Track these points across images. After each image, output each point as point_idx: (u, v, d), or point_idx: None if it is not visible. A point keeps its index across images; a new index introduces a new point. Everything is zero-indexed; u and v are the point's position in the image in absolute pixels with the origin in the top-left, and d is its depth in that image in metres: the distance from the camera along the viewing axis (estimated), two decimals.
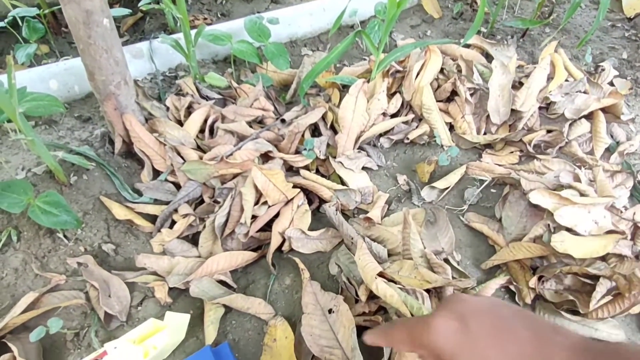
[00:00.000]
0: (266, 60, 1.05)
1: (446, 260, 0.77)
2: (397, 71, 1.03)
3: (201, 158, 0.84)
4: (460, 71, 1.06)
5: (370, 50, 1.23)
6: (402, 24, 1.36)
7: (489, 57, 1.20)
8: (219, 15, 1.33)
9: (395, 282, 0.73)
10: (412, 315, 0.72)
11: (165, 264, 0.80)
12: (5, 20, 1.02)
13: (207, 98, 0.97)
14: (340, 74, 1.07)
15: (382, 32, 1.12)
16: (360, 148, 0.98)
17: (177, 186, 0.87)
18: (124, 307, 0.77)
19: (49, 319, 0.75)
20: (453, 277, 0.73)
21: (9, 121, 0.76)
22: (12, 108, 0.65)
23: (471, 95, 1.02)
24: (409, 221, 0.80)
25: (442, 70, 1.08)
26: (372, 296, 0.74)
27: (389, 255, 0.80)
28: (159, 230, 0.83)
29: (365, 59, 1.20)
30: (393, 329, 0.39)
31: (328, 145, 0.98)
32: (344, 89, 1.10)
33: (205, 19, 1.26)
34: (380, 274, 0.72)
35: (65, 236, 0.82)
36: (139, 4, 1.10)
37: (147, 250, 0.84)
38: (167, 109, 0.96)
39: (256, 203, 0.80)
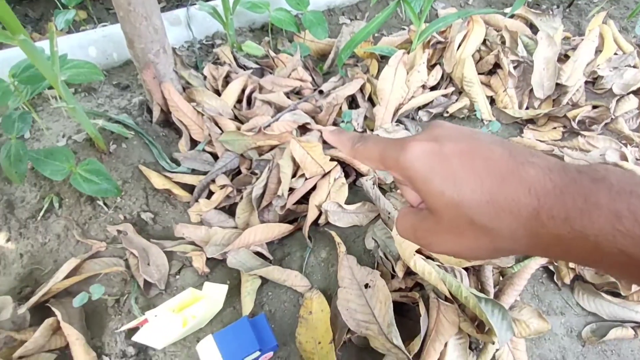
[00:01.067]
0: (304, 29, 0.99)
1: None
2: (438, 42, 0.96)
3: (239, 129, 0.80)
4: (504, 43, 0.97)
5: (410, 20, 1.16)
6: None
7: (533, 28, 1.11)
8: None
9: (432, 260, 0.70)
10: (450, 293, 0.68)
11: (203, 234, 0.77)
12: None
13: (244, 67, 0.93)
14: (379, 44, 1.00)
15: (423, 0, 1.04)
16: (398, 121, 0.92)
17: (215, 156, 0.84)
18: (162, 276, 0.75)
19: (91, 285, 0.74)
20: None
21: (50, 88, 0.73)
22: (55, 75, 0.62)
23: (514, 68, 0.94)
24: None
25: (484, 42, 1.00)
26: (409, 272, 0.71)
27: None
28: (196, 200, 0.81)
29: (404, 29, 1.12)
30: (366, 143, 0.35)
31: (365, 117, 0.92)
32: (383, 59, 1.04)
33: None
34: (418, 251, 0.68)
35: (105, 204, 0.80)
36: None
37: (184, 219, 0.82)
38: (205, 78, 0.92)
39: (293, 175, 0.76)
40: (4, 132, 0.71)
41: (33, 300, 0.69)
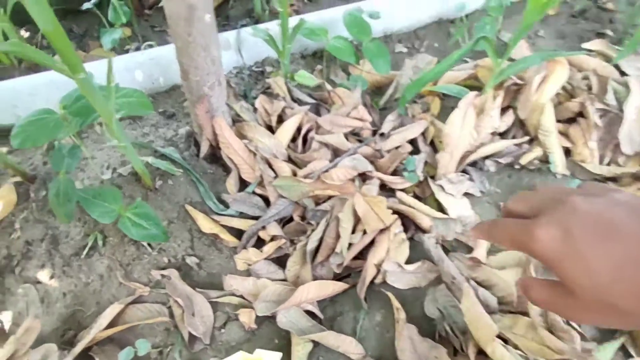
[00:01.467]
0: (361, 57, 0.92)
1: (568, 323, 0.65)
2: (514, 84, 0.88)
3: (294, 173, 0.75)
4: (589, 88, 0.88)
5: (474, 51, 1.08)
6: (510, 20, 1.18)
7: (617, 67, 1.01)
8: (305, 1, 1.20)
9: (508, 342, 0.63)
10: None
11: (251, 286, 0.73)
12: (92, 1, 0.94)
13: (298, 101, 0.87)
14: (441, 81, 0.93)
15: (493, 33, 0.96)
16: (464, 170, 0.85)
17: (265, 200, 0.79)
18: (207, 329, 0.71)
19: (136, 333, 0.72)
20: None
21: None
22: (110, 113, 0.58)
23: (600, 117, 0.85)
24: (529, 270, 0.68)
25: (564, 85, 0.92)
26: (480, 351, 0.64)
27: (498, 304, 0.69)
28: (244, 247, 0.76)
29: (466, 61, 1.04)
30: (496, 229, 0.37)
31: (425, 163, 0.85)
32: (445, 97, 0.96)
33: (292, 5, 1.14)
34: (498, 335, 0.61)
35: (149, 245, 0.77)
36: None
37: (230, 266, 0.78)
38: (255, 109, 0.86)
39: (353, 230, 0.70)
40: (52, 168, 0.67)
41: (77, 350, 0.67)
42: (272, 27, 1.00)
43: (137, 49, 1.05)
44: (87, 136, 0.88)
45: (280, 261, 0.78)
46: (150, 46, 1.04)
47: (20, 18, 0.90)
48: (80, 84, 0.54)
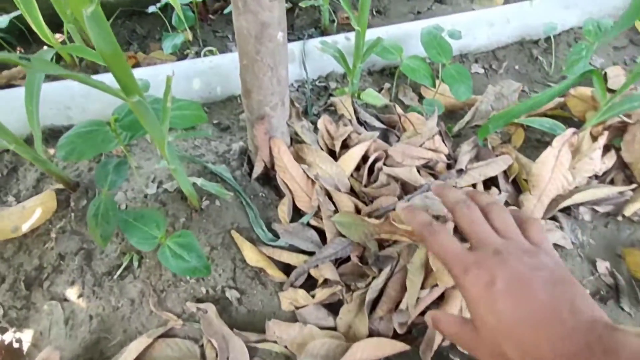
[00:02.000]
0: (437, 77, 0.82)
1: None
2: (620, 121, 0.74)
3: (357, 209, 0.65)
4: None
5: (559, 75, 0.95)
6: (602, 43, 1.04)
7: None
8: (374, 12, 1.12)
9: None
10: None
11: (297, 334, 0.64)
12: (158, 5, 0.89)
13: (365, 124, 0.77)
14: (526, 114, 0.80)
15: (588, 60, 0.83)
16: (552, 217, 0.72)
17: (320, 232, 0.70)
18: None
19: None
20: None
21: None
22: (163, 137, 0.51)
23: None
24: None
25: None
26: None
27: None
28: (291, 285, 0.66)
29: (550, 86, 0.91)
30: (437, 237, 0.44)
31: (506, 203, 0.73)
32: (529, 128, 0.84)
33: None
34: None
35: None
36: None
37: (274, 304, 0.69)
38: (316, 128, 0.78)
39: (422, 284, 0.59)
40: (97, 184, 0.61)
41: None
42: (340, 40, 0.91)
43: (197, 53, 1.00)
44: (137, 143, 0.83)
45: (332, 306, 0.68)
46: (211, 51, 0.98)
47: (56, 22, 0.86)
48: (134, 107, 0.47)
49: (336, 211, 0.67)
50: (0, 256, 0.72)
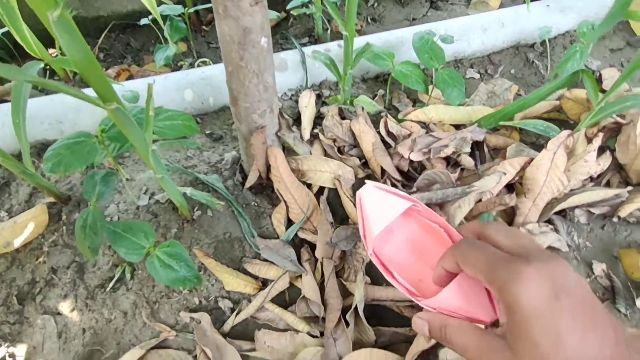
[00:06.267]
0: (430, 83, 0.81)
1: None
2: (614, 122, 0.73)
3: None
4: None
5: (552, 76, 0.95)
6: (599, 45, 1.03)
7: None
8: (369, 20, 1.12)
9: None
10: None
11: (288, 343, 0.63)
12: (150, 17, 0.90)
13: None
14: (520, 116, 0.80)
15: (583, 62, 0.83)
16: (547, 220, 0.71)
17: (310, 245, 0.69)
18: None
19: None
20: None
21: None
22: (146, 146, 0.51)
23: None
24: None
25: None
26: None
27: None
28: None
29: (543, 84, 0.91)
30: (473, 250, 0.33)
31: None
32: (523, 130, 0.83)
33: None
34: None
35: None
36: (288, 6, 0.92)
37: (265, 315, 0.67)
38: (309, 142, 0.78)
39: None
40: (84, 195, 0.61)
41: None
42: (333, 48, 0.91)
43: (191, 64, 1.00)
44: (129, 156, 0.83)
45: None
46: (204, 62, 0.98)
47: (50, 37, 0.85)
48: (113, 115, 0.47)
49: (334, 221, 0.67)
50: None
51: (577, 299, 0.28)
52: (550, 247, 0.70)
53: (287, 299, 0.69)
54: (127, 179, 0.78)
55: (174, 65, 1.00)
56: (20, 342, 0.67)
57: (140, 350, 0.64)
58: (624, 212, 0.71)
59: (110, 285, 0.69)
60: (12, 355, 0.66)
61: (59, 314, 0.68)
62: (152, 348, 0.65)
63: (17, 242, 0.72)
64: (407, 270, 0.45)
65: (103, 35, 1.02)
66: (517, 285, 0.29)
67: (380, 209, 0.45)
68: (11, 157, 0.62)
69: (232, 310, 0.68)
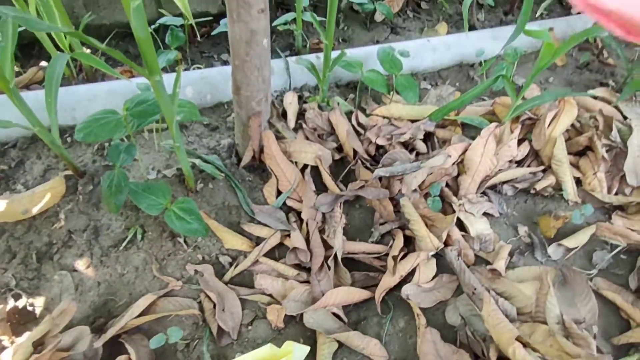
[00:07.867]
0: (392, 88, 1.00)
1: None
2: (529, 118, 0.95)
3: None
4: (597, 126, 0.95)
5: (492, 91, 1.16)
6: (523, 67, 1.27)
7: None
8: (340, 41, 1.31)
9: (527, 347, 0.64)
10: None
11: (280, 287, 0.75)
12: (152, 27, 1.04)
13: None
14: (462, 114, 1.00)
15: (509, 75, 1.05)
16: (483, 192, 0.90)
17: (294, 212, 0.83)
18: (235, 324, 0.73)
19: (165, 324, 0.73)
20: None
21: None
22: (172, 115, 0.64)
23: (606, 152, 0.91)
24: (546, 282, 0.71)
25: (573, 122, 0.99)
26: (501, 356, 0.66)
27: (517, 314, 0.71)
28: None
29: (484, 99, 1.12)
30: None
31: (447, 184, 0.90)
32: (465, 127, 1.03)
33: (320, 43, 1.24)
34: (518, 338, 0.63)
35: (185, 242, 0.80)
36: (274, 23, 1.09)
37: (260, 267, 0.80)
38: (296, 131, 0.93)
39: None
40: (109, 160, 0.72)
41: (109, 335, 0.68)
42: (311, 58, 1.08)
43: (187, 69, 1.14)
44: (136, 141, 0.95)
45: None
46: (198, 68, 1.13)
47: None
48: (154, 85, 0.60)
49: (317, 189, 0.82)
50: (10, 235, 0.79)
51: None
52: (485, 213, 0.89)
53: (277, 256, 0.82)
54: (134, 160, 0.89)
55: (170, 70, 1.14)
56: (39, 295, 0.75)
57: (152, 296, 0.74)
58: (539, 187, 0.91)
59: (123, 245, 0.79)
60: (31, 305, 0.74)
61: (75, 270, 0.77)
62: (162, 296, 0.76)
63: (35, 210, 0.80)
64: None
65: (105, 42, 1.14)
66: None
67: None
68: (44, 126, 0.73)
69: (231, 264, 0.80)
